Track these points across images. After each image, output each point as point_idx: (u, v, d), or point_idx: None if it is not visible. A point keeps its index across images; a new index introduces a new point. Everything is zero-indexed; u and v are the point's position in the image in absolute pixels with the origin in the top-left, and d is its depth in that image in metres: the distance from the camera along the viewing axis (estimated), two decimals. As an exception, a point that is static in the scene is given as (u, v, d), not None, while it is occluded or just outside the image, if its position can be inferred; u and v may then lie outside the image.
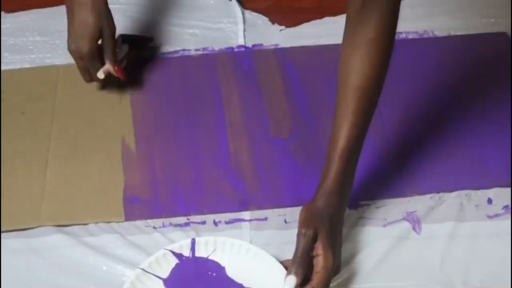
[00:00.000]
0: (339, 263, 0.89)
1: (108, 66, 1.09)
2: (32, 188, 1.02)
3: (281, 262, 0.90)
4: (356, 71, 0.90)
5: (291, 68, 1.20)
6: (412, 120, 1.10)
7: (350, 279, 0.92)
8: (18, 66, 1.21)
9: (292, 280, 0.86)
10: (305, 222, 0.88)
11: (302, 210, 0.89)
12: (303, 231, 0.87)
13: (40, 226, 0.98)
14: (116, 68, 1.09)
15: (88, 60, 1.08)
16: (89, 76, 1.10)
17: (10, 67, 1.20)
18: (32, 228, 0.98)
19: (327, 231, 0.87)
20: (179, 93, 1.16)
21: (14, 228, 0.97)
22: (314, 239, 0.87)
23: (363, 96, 0.90)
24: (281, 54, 1.22)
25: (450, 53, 1.21)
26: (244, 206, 1.01)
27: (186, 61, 1.21)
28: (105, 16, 1.08)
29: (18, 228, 0.98)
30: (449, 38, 1.24)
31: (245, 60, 1.21)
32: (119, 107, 1.14)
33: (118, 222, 0.99)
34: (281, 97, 1.16)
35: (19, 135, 1.09)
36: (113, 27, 1.10)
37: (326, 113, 1.12)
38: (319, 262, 0.86)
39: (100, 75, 1.09)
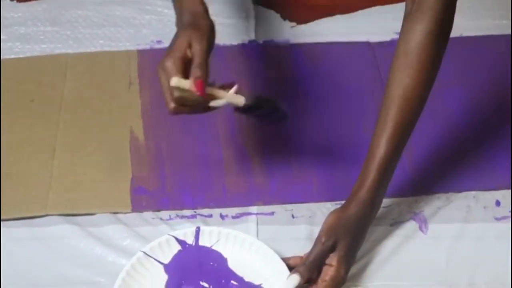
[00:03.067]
0: (346, 278, 0.89)
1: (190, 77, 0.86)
2: (39, 177, 1.02)
3: (287, 259, 0.90)
4: (396, 81, 0.89)
5: (302, 64, 1.19)
6: (421, 121, 1.09)
7: (356, 277, 0.92)
8: (29, 55, 1.21)
9: (295, 279, 0.86)
10: (328, 230, 0.87)
11: (330, 215, 0.89)
12: (323, 239, 0.86)
13: (47, 214, 0.98)
14: (196, 80, 0.85)
15: (170, 73, 0.85)
16: (171, 102, 0.87)
17: (21, 56, 1.20)
18: (38, 216, 0.98)
19: (348, 245, 0.87)
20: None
21: (20, 216, 0.97)
22: (331, 249, 0.87)
23: (404, 108, 0.89)
24: (293, 50, 1.22)
25: (461, 54, 1.20)
26: (250, 202, 1.00)
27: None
28: (199, 32, 0.89)
29: (25, 216, 0.98)
30: (460, 39, 1.23)
31: (256, 55, 1.21)
32: (128, 98, 1.13)
33: (125, 213, 0.99)
34: (291, 92, 1.15)
35: (27, 123, 1.09)
36: (205, 43, 0.89)
37: (337, 109, 1.13)
38: (329, 272, 0.86)
39: (173, 81, 0.84)
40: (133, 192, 1.01)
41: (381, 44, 1.22)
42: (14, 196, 0.99)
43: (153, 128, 1.09)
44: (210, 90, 0.87)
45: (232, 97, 0.88)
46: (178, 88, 0.85)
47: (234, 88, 0.88)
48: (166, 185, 1.02)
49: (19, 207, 0.98)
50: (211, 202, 1.00)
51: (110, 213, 0.98)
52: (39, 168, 1.03)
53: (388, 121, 0.89)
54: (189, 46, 0.88)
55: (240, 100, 0.88)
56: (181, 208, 0.99)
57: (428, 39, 0.87)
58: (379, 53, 1.20)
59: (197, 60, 0.87)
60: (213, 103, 0.87)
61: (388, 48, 1.20)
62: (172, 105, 0.87)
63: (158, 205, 0.99)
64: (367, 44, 1.23)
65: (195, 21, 0.91)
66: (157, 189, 1.01)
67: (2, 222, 0.96)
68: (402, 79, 0.89)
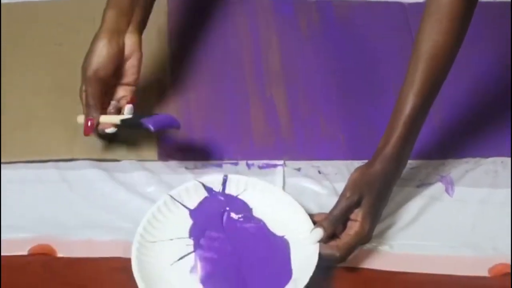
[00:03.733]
0: (371, 236, 0.89)
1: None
2: (66, 121, 1.01)
3: (312, 215, 0.90)
4: (426, 37, 0.88)
5: (333, 21, 1.18)
6: (451, 84, 1.08)
7: (381, 235, 0.92)
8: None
9: (319, 233, 0.86)
10: (353, 185, 0.87)
11: (355, 171, 0.89)
12: (348, 194, 0.86)
13: (73, 159, 0.98)
14: (86, 124, 0.93)
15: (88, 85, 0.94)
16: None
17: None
18: (65, 160, 0.98)
19: (373, 200, 0.87)
20: (217, 37, 1.14)
21: (47, 159, 0.97)
22: (356, 204, 0.86)
23: (432, 64, 0.88)
24: (324, 6, 1.20)
25: (494, 18, 1.18)
26: (277, 156, 1.00)
27: (224, 4, 1.19)
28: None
29: (51, 159, 0.98)
30: (493, 4, 1.21)
31: (286, 10, 1.19)
32: (158, 47, 1.12)
33: (150, 160, 0.98)
34: (321, 48, 1.14)
35: (55, 66, 1.08)
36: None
37: (367, 69, 1.12)
38: (354, 227, 0.86)
39: (78, 119, 0.95)
40: (160, 141, 1.00)
41: (414, 5, 1.20)
42: (41, 138, 0.99)
43: (181, 78, 1.08)
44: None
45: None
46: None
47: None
48: (194, 136, 1.01)
49: (46, 149, 0.98)
50: (238, 154, 1.00)
51: (136, 160, 0.98)
52: (66, 112, 1.02)
53: (416, 78, 0.88)
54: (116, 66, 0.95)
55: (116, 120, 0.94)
56: (208, 159, 0.99)
57: None
58: (412, 15, 1.18)
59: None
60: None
61: (421, 10, 1.19)
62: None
63: (185, 155, 0.99)
64: (399, 4, 1.21)
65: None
66: (185, 139, 1.01)
67: (29, 164, 0.97)
68: (432, 36, 0.88)
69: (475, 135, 1.04)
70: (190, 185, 0.92)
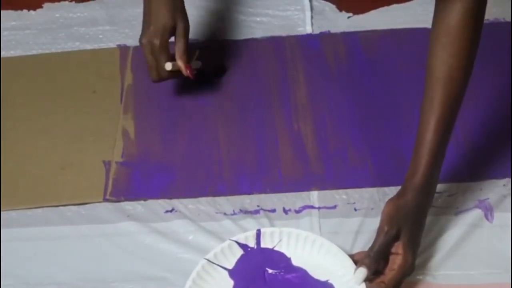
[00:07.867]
0: (414, 266, 0.88)
1: (178, 62, 1.06)
2: (101, 165, 1.05)
3: (352, 255, 0.90)
4: (439, 61, 0.88)
5: (359, 52, 1.19)
6: (481, 106, 1.08)
7: (423, 266, 0.92)
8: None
9: (363, 272, 0.85)
10: (389, 219, 0.87)
11: (387, 204, 0.88)
12: (386, 229, 0.86)
13: (107, 200, 1.00)
14: (185, 66, 1.06)
15: (158, 54, 1.04)
16: (158, 75, 1.06)
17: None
18: (97, 202, 1.00)
19: (411, 231, 0.87)
20: (245, 75, 1.17)
21: (79, 202, 1.00)
22: (395, 238, 0.86)
23: (448, 87, 0.88)
24: (350, 39, 1.21)
25: None
26: (307, 187, 1.01)
27: (252, 44, 1.21)
28: (181, 13, 1.06)
29: (84, 202, 1.01)
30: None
31: (312, 44, 1.20)
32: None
33: (179, 198, 1.00)
34: (348, 79, 1.15)
35: (90, 113, 1.12)
36: (187, 24, 1.07)
37: (395, 95, 1.12)
38: (397, 261, 0.86)
39: (168, 66, 1.04)
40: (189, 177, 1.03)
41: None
42: (73, 184, 1.03)
43: (211, 115, 1.11)
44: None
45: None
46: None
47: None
48: (224, 171, 1.03)
49: (79, 194, 1.01)
50: (267, 188, 1.01)
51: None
52: (100, 157, 1.06)
53: (435, 104, 0.88)
54: (174, 26, 1.05)
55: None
56: (238, 194, 1.01)
57: (468, 17, 0.86)
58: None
59: (182, 45, 1.06)
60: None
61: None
62: (156, 78, 1.07)
63: (215, 191, 1.01)
64: (425, 29, 1.21)
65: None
66: (214, 176, 1.03)
67: (69, 219, 0.99)
68: (446, 59, 0.88)
69: (504, 154, 1.03)
70: (225, 245, 0.91)
